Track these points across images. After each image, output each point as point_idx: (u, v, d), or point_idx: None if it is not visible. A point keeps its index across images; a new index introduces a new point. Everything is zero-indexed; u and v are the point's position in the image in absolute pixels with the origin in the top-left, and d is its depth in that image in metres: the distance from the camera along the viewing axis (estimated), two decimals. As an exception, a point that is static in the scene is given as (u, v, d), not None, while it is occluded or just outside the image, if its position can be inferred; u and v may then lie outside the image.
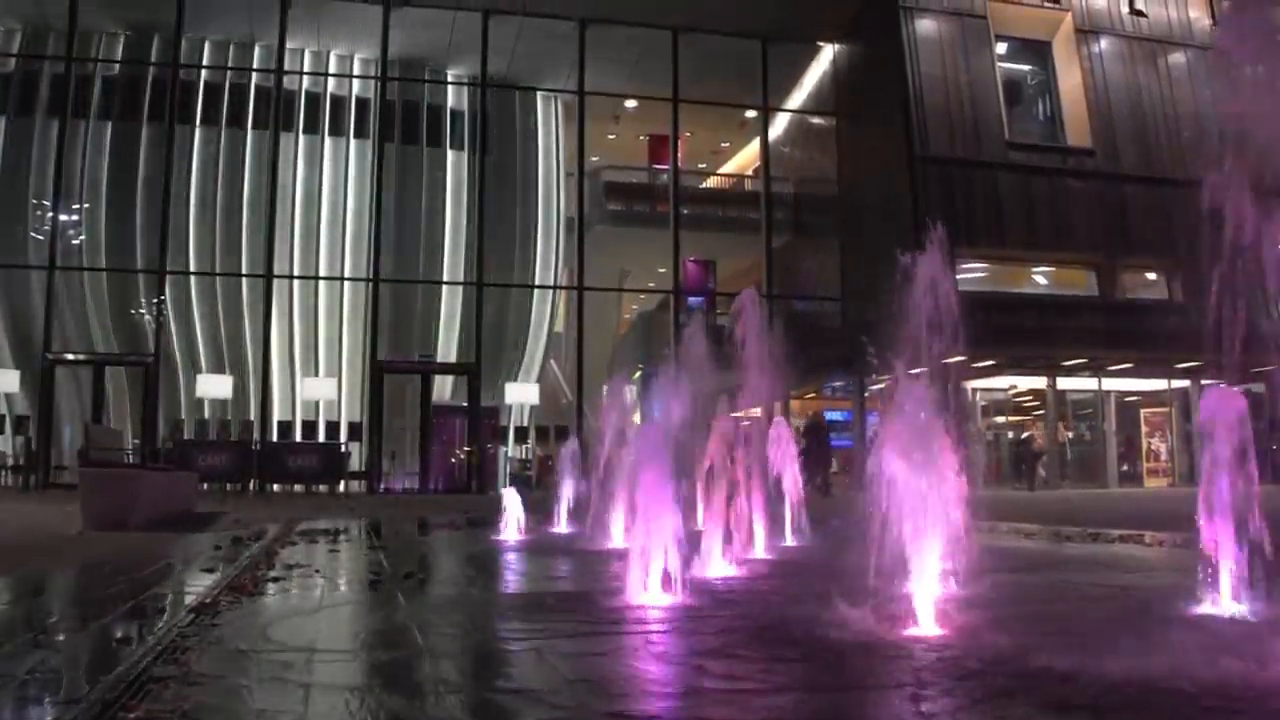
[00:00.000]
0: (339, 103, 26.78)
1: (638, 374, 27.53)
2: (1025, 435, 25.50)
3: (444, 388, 26.86)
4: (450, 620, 4.68)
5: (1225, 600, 4.20)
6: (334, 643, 3.95)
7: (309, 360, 26.11)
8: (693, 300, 28.68)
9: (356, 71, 26.93)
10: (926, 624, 3.92)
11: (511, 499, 9.45)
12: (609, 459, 8.44)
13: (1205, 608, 4.24)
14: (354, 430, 24.67)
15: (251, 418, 24.78)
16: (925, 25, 24.76)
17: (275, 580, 5.71)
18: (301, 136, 26.25)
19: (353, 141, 26.60)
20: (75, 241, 24.74)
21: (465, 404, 25.69)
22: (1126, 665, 3.18)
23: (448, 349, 26.87)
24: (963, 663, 3.39)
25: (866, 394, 25.62)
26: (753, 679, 3.26)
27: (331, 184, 26.43)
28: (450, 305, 27.06)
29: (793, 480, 8.53)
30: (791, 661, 3.54)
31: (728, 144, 32.74)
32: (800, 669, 3.44)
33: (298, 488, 23.20)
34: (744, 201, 30.25)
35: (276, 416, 24.96)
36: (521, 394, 27.17)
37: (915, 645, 3.67)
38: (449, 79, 27.67)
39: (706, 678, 3.33)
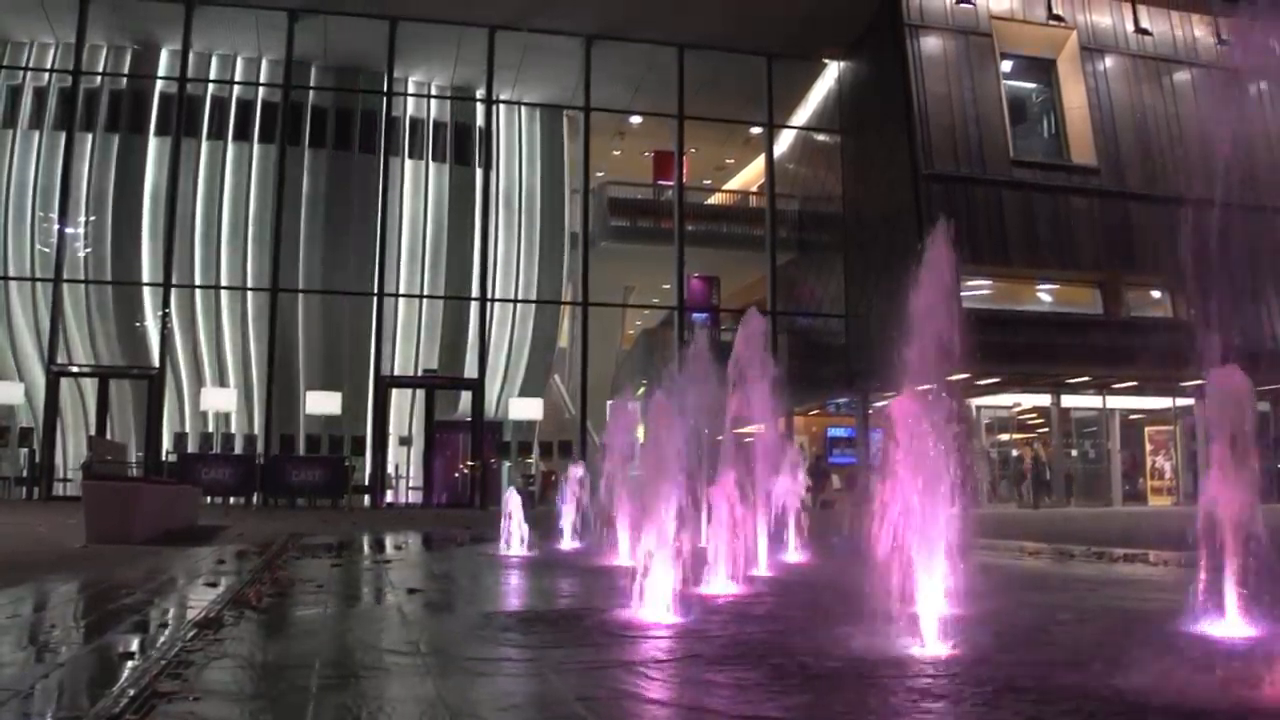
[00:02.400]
0: (345, 117, 26.88)
1: (641, 390, 27.48)
2: (1016, 454, 25.56)
3: (447, 402, 26.86)
4: (453, 636, 4.68)
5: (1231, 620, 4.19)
6: (337, 658, 3.94)
7: (313, 374, 26.11)
8: (697, 316, 28.69)
9: (363, 86, 27.02)
10: (932, 643, 3.90)
11: (515, 515, 9.43)
12: (611, 475, 8.44)
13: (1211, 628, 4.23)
14: (358, 444, 24.67)
15: (255, 431, 24.79)
16: (930, 43, 24.82)
17: (278, 595, 5.70)
18: (308, 151, 26.34)
19: (358, 156, 26.67)
20: (81, 254, 24.83)
21: (469, 419, 25.69)
22: (1134, 683, 3.17)
23: (452, 364, 26.85)
24: (971, 682, 3.38)
25: (870, 411, 25.60)
26: (757, 702, 3.25)
27: (337, 198, 26.49)
28: (455, 320, 27.06)
29: (795, 499, 8.53)
30: (795, 680, 3.52)
31: (732, 160, 32.81)
32: (804, 689, 3.42)
33: (301, 502, 23.18)
34: (748, 218, 30.27)
35: (280, 430, 24.97)
36: (525, 409, 27.18)
37: (922, 664, 3.66)
38: (454, 94, 27.79)
39: (710, 698, 3.32)
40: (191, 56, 25.20)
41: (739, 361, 7.86)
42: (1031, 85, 26.60)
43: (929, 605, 3.99)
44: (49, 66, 25.42)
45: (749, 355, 7.91)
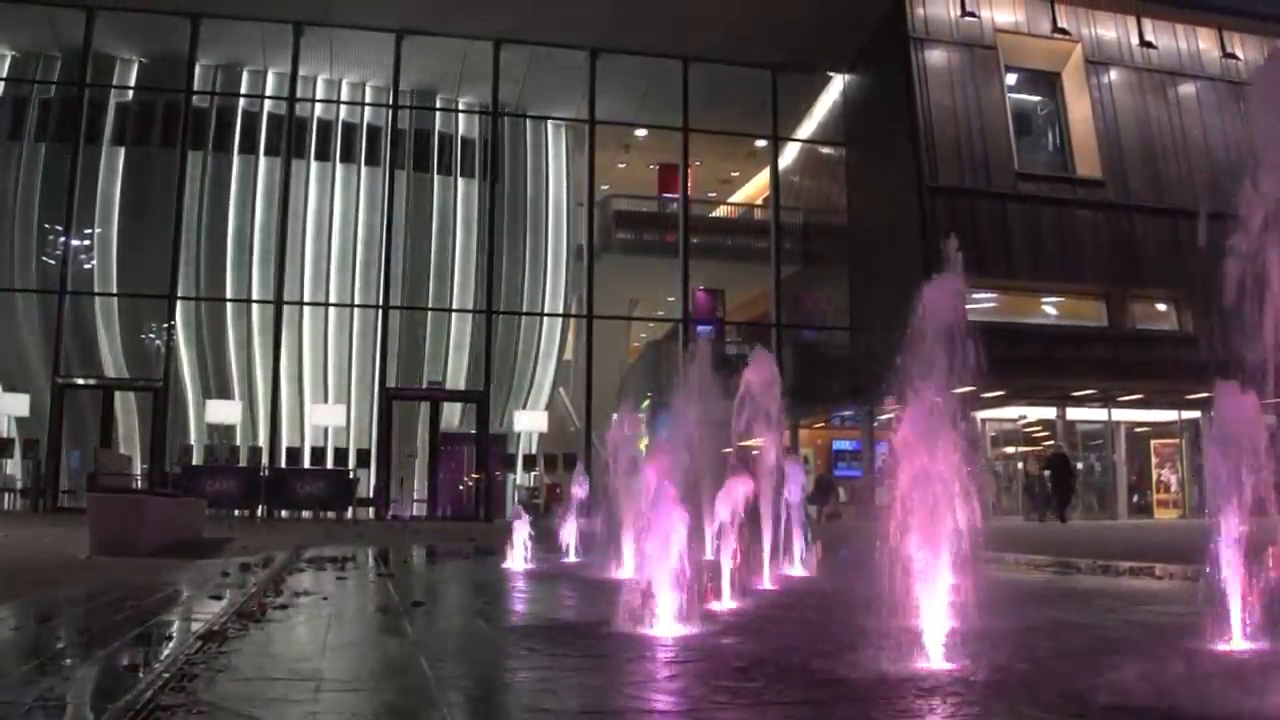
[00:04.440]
0: (351, 130, 26.99)
1: (646, 402, 27.48)
2: (1021, 467, 25.59)
3: (452, 415, 26.88)
4: (458, 650, 4.67)
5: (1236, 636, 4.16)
6: (342, 672, 3.93)
7: (318, 387, 26.15)
8: (702, 329, 28.70)
9: (369, 99, 27.15)
10: (936, 658, 3.88)
11: (519, 527, 9.41)
12: (616, 488, 8.42)
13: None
14: (363, 457, 24.67)
15: (260, 444, 24.80)
16: (935, 56, 24.85)
17: (283, 608, 5.69)
18: (313, 163, 26.44)
19: (364, 169, 26.78)
20: (87, 266, 24.89)
21: (474, 431, 25.70)
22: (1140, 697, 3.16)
23: (457, 376, 26.88)
24: (977, 695, 3.36)
25: (875, 424, 25.55)
26: (760, 713, 3.24)
27: (343, 211, 26.59)
28: (460, 333, 27.11)
29: (800, 511, 8.50)
30: (797, 693, 3.51)
31: (737, 173, 32.86)
32: (807, 702, 3.41)
33: (306, 514, 23.16)
34: (753, 231, 30.31)
35: (285, 443, 24.98)
36: (530, 422, 27.19)
37: (927, 679, 3.64)
38: (460, 107, 27.88)
39: (714, 710, 3.31)
40: (197, 69, 25.32)
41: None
42: (1036, 98, 26.63)
43: (934, 620, 3.96)
44: (55, 79, 25.55)
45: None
